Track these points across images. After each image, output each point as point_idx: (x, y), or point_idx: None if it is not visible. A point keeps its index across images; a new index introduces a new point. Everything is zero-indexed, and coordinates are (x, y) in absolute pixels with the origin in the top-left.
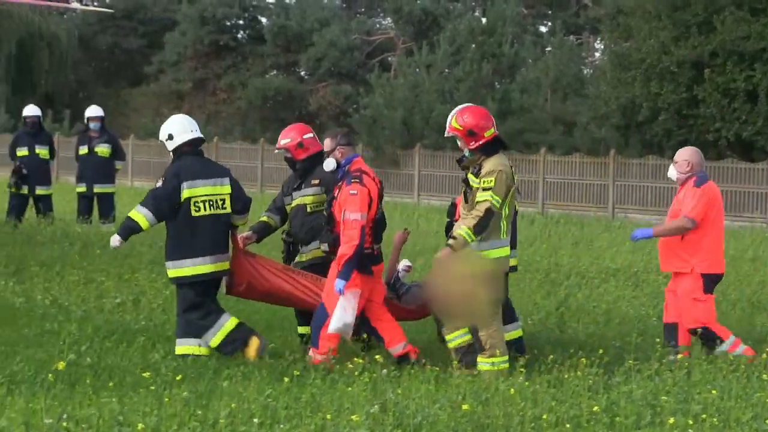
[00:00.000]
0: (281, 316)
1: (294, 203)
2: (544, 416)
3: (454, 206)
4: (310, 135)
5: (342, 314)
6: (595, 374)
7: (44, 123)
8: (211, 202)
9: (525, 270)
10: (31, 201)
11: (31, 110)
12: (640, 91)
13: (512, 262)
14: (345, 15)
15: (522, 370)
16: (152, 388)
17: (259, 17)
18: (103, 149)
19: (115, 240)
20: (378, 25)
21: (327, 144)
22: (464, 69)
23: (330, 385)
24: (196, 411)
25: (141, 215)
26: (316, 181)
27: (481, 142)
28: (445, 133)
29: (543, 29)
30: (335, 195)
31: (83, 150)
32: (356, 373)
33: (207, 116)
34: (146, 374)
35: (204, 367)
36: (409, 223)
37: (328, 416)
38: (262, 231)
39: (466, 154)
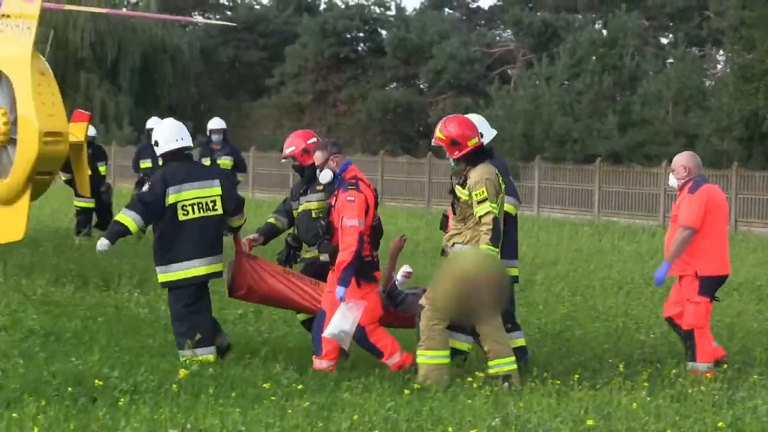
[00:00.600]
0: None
1: (300, 208)
2: (668, 431)
3: (446, 218)
4: (314, 140)
5: (340, 321)
6: (719, 389)
7: None
8: (200, 205)
9: (646, 283)
10: None
11: (154, 123)
12: (763, 103)
13: (513, 272)
14: (465, 27)
15: (645, 384)
16: (274, 399)
17: (380, 30)
18: (225, 161)
19: (103, 244)
20: (498, 38)
21: (318, 156)
22: (585, 81)
23: (451, 398)
24: (318, 423)
25: (129, 218)
26: (320, 187)
27: (464, 152)
28: (432, 142)
29: (664, 41)
30: (332, 203)
31: (205, 162)
32: (477, 387)
33: (327, 128)
34: (267, 385)
35: (325, 379)
36: (529, 235)
37: (450, 429)
38: (269, 233)
39: (452, 164)
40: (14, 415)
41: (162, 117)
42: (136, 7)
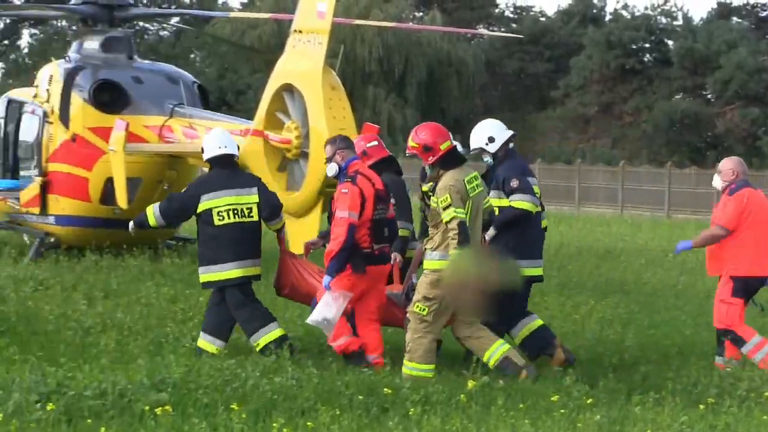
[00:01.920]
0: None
1: None
2: None
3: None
4: (374, 143)
5: (323, 309)
6: None
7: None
8: (235, 211)
9: None
10: None
11: None
12: None
13: (536, 272)
14: (753, 37)
15: None
16: (564, 411)
17: (666, 40)
18: None
19: (130, 226)
20: None
21: (327, 150)
22: None
23: (746, 413)
24: None
25: (151, 211)
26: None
27: (437, 156)
28: (406, 152)
29: None
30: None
31: None
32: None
33: (612, 140)
34: (557, 398)
35: (615, 392)
36: None
37: None
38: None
39: (428, 171)
40: (309, 423)
41: (448, 129)
42: (422, 20)
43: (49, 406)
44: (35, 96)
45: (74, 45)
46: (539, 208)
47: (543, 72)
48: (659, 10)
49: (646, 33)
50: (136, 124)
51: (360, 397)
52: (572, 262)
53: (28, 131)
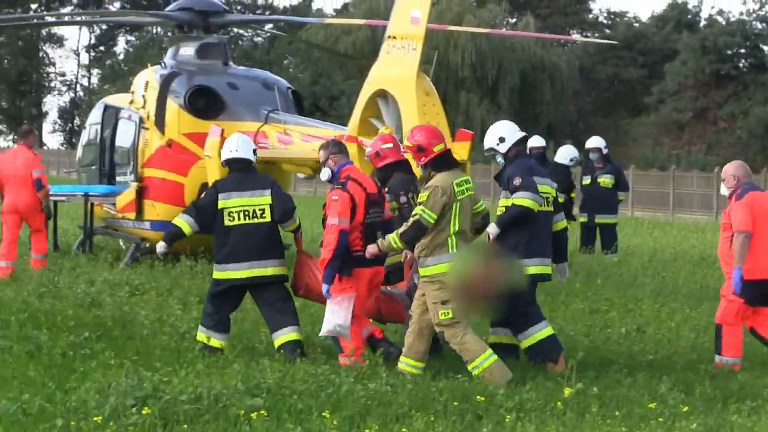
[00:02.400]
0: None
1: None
2: None
3: None
4: (389, 145)
5: (332, 317)
6: None
7: (547, 153)
8: (245, 212)
9: None
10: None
11: (535, 141)
12: None
13: (542, 270)
14: None
15: None
16: (660, 420)
17: (761, 45)
18: (605, 180)
19: (161, 246)
20: None
21: (321, 155)
22: None
23: None
24: None
25: (183, 221)
26: (386, 189)
27: (430, 158)
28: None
29: None
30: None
31: (586, 180)
32: None
33: (707, 146)
34: (653, 406)
35: (712, 400)
36: None
37: None
38: None
39: (422, 172)
40: (403, 430)
41: (541, 135)
42: (516, 26)
43: (145, 411)
44: (131, 102)
45: (170, 51)
46: (547, 207)
47: (637, 78)
48: (755, 15)
49: (742, 38)
50: (231, 130)
51: (454, 404)
52: (667, 268)
53: (124, 137)
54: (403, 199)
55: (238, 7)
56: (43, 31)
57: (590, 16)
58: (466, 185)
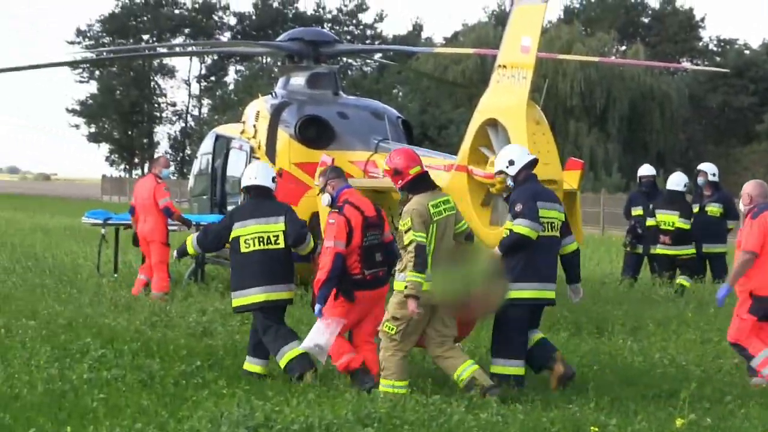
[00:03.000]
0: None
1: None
2: None
3: None
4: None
5: (315, 336)
6: None
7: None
8: (260, 239)
9: None
10: (646, 260)
11: (646, 170)
12: None
13: (541, 294)
14: None
15: None
16: None
17: None
18: (713, 208)
19: (174, 255)
20: None
21: (319, 182)
22: None
23: None
24: None
25: (191, 240)
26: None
27: (406, 180)
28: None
29: None
30: None
31: (695, 209)
32: None
33: None
34: None
35: None
36: None
37: None
38: None
39: (401, 195)
40: None
41: (651, 164)
42: (625, 54)
43: None
44: (242, 132)
45: (280, 81)
46: (552, 232)
47: (748, 105)
48: None
49: None
50: (342, 160)
51: None
52: None
53: (235, 166)
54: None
55: (348, 37)
56: (155, 62)
57: (700, 43)
58: (443, 206)
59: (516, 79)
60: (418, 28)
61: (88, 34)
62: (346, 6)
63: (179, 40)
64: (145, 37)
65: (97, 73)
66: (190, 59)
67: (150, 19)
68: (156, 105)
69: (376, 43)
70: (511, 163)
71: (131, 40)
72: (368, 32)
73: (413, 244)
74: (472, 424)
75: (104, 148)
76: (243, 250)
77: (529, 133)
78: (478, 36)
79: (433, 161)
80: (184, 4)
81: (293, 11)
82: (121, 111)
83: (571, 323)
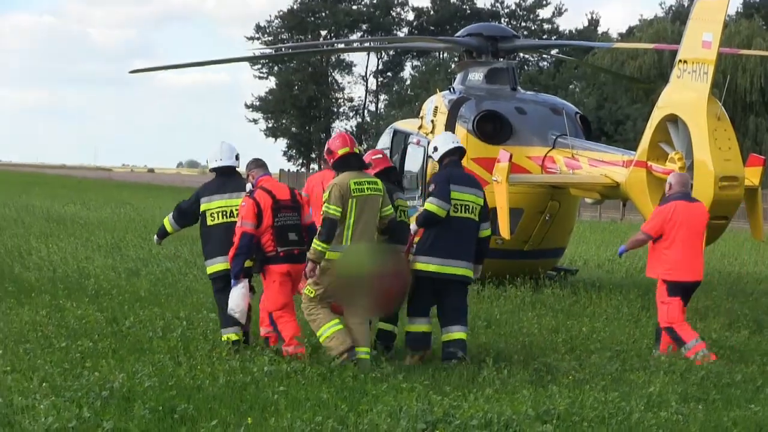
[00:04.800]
0: None
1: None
2: None
3: None
4: (378, 156)
5: (232, 301)
6: None
7: None
8: (224, 212)
9: None
10: None
11: None
12: None
13: (449, 270)
14: None
15: None
16: None
17: None
18: None
19: (154, 240)
20: None
21: (244, 172)
22: None
23: None
24: None
25: (167, 221)
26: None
27: (334, 159)
28: None
29: None
30: None
31: None
32: None
33: None
34: None
35: None
36: None
37: None
38: None
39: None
40: None
41: None
42: None
43: None
44: (420, 127)
45: (458, 76)
46: (467, 214)
47: None
48: None
49: None
50: (519, 155)
51: None
52: None
53: (413, 161)
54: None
55: (524, 33)
56: (333, 58)
57: None
58: (367, 185)
59: (697, 74)
60: (594, 23)
61: (267, 30)
62: (524, 1)
63: (357, 35)
64: (324, 32)
65: (276, 68)
66: (368, 55)
67: (328, 14)
68: (333, 100)
69: (553, 38)
70: (435, 149)
71: (309, 36)
72: (545, 27)
73: (323, 215)
74: (652, 422)
75: (281, 143)
76: (209, 222)
77: (710, 129)
78: (656, 31)
79: (611, 157)
80: (363, 0)
81: (471, 6)
82: (298, 106)
83: (752, 321)
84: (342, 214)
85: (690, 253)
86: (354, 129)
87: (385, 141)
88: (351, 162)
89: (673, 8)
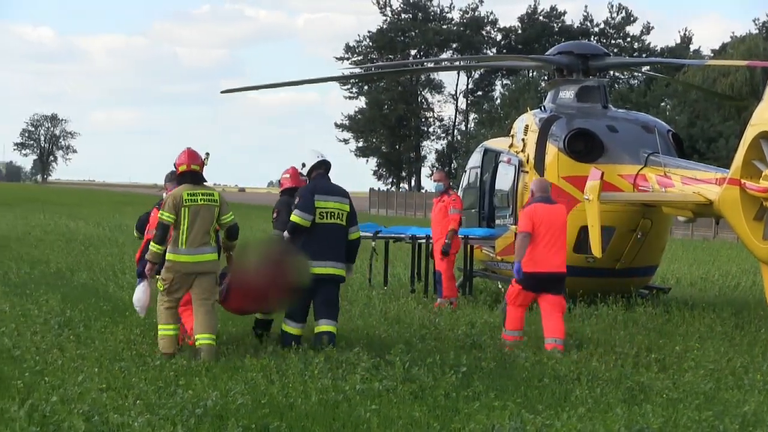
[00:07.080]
0: None
1: None
2: None
3: None
4: (286, 176)
5: (136, 297)
6: None
7: None
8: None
9: None
10: None
11: None
12: None
13: (321, 270)
14: None
15: None
16: None
17: None
18: None
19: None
20: None
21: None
22: None
23: None
24: None
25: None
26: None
27: (177, 174)
28: None
29: None
30: None
31: None
32: None
33: None
34: None
35: None
36: None
37: None
38: None
39: None
40: None
41: None
42: None
43: None
44: (511, 145)
45: (549, 95)
46: (334, 220)
47: None
48: None
49: None
50: (611, 173)
51: None
52: None
53: (503, 180)
54: (274, 214)
55: (615, 50)
56: (422, 77)
57: None
58: (201, 196)
59: None
60: (686, 40)
61: (357, 50)
62: (613, 19)
63: (447, 54)
64: (413, 52)
65: (366, 88)
66: (458, 74)
67: (418, 34)
68: (423, 119)
69: (644, 55)
70: (303, 165)
71: (399, 56)
72: (635, 45)
73: (158, 221)
74: None
75: (372, 162)
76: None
77: None
78: (748, 48)
79: (704, 175)
80: (452, 19)
81: (559, 25)
82: (388, 125)
83: None
84: (176, 221)
85: (544, 249)
86: (444, 148)
87: (475, 160)
88: (186, 177)
89: (767, 25)
